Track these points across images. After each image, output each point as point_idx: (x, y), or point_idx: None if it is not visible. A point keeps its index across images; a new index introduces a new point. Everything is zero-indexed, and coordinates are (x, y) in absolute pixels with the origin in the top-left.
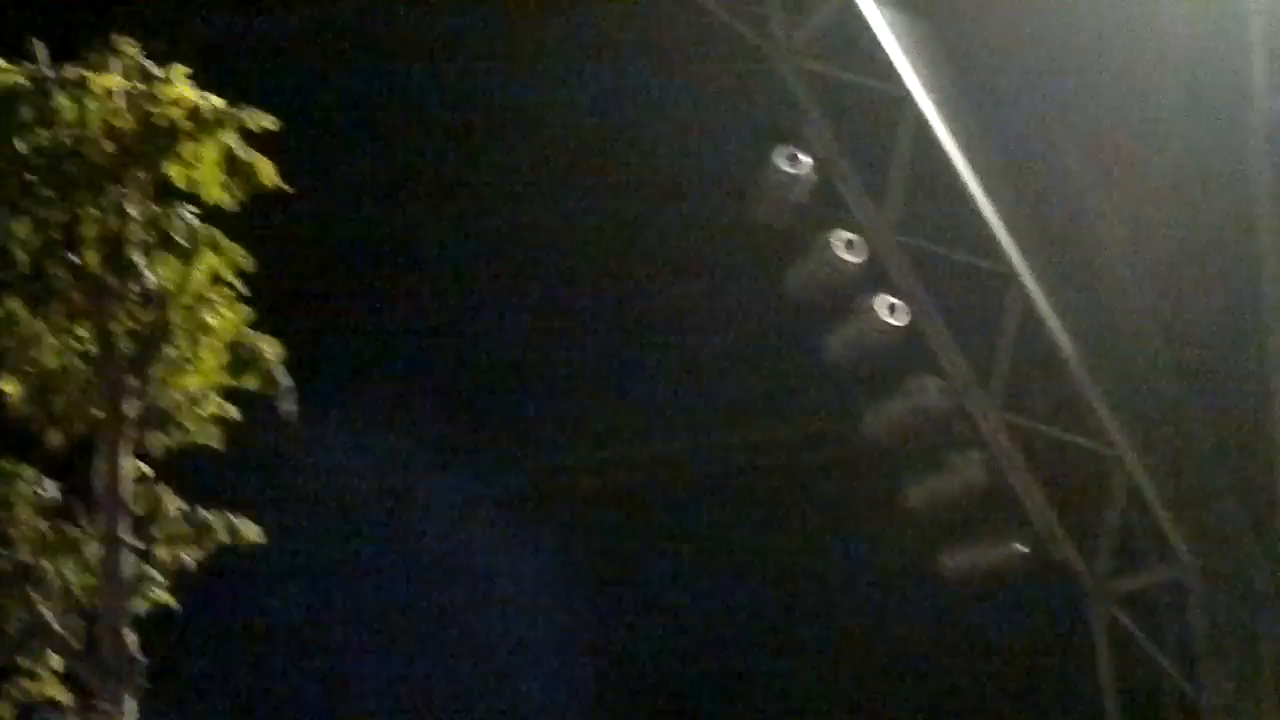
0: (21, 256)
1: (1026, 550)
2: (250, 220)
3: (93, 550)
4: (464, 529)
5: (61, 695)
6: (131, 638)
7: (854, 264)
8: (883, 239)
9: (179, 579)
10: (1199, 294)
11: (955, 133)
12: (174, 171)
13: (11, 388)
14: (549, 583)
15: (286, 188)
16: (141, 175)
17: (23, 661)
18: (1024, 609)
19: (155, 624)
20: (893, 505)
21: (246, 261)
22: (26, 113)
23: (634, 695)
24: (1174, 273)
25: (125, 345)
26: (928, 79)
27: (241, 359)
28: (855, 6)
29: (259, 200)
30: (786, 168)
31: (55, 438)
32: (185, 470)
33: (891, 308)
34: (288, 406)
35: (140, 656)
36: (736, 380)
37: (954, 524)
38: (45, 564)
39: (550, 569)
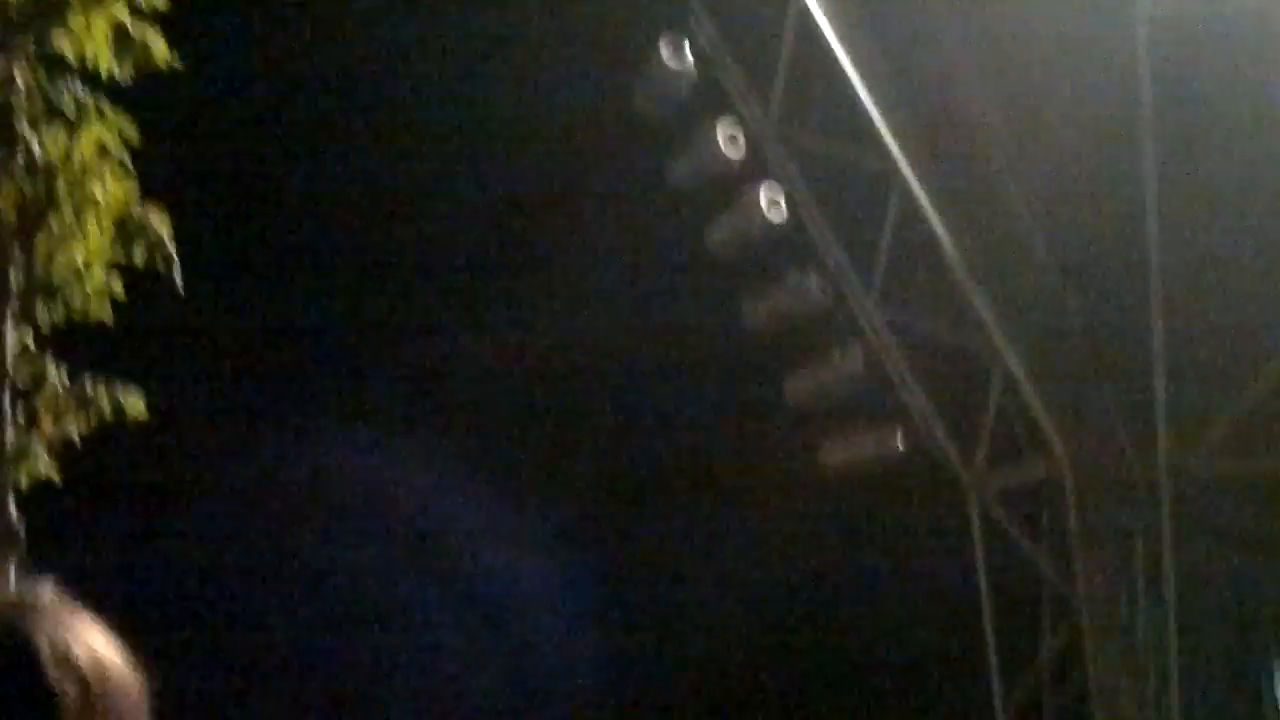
0: None
1: (904, 445)
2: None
3: None
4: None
5: None
6: (11, 509)
7: (736, 157)
8: (765, 133)
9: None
10: (1081, 195)
11: (841, 28)
12: (63, 44)
13: None
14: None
15: (177, 65)
16: (28, 45)
17: None
18: (901, 503)
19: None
20: (774, 398)
21: (132, 133)
22: None
23: None
24: (1057, 173)
25: (9, 216)
26: None
27: (129, 232)
28: None
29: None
30: (670, 61)
31: None
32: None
33: (772, 201)
34: (175, 279)
35: (18, 528)
36: (620, 272)
37: (833, 417)
38: None
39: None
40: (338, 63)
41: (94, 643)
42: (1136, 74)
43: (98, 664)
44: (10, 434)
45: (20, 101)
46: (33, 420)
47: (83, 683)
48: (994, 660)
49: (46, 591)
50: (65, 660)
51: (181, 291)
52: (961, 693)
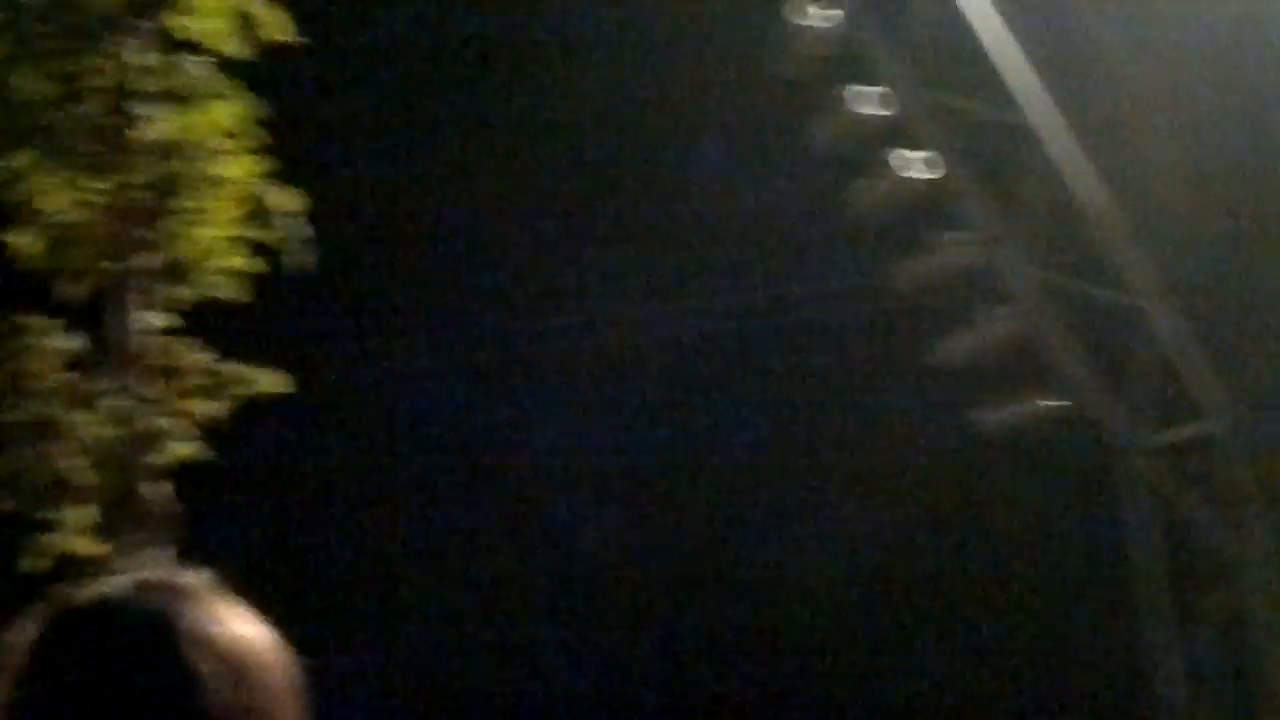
0: (26, 109)
1: (1058, 405)
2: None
3: (115, 403)
4: None
5: (89, 548)
6: (164, 488)
7: (880, 118)
8: (909, 93)
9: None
10: (1232, 150)
11: None
12: (181, 23)
13: (26, 240)
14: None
15: (298, 40)
16: (144, 25)
17: (47, 514)
18: (1053, 465)
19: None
20: (925, 362)
21: (254, 111)
22: None
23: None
24: (1208, 128)
25: (137, 198)
26: None
27: (257, 211)
28: None
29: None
30: (813, 21)
31: (74, 291)
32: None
33: (919, 162)
34: (305, 258)
35: (173, 507)
36: (766, 240)
37: (987, 379)
38: (67, 416)
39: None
40: (462, 30)
41: (238, 625)
42: None
43: (240, 645)
44: (150, 413)
45: (136, 80)
46: (176, 402)
47: (223, 662)
48: (1149, 622)
49: (192, 574)
50: (205, 640)
51: (311, 267)
52: (1116, 653)
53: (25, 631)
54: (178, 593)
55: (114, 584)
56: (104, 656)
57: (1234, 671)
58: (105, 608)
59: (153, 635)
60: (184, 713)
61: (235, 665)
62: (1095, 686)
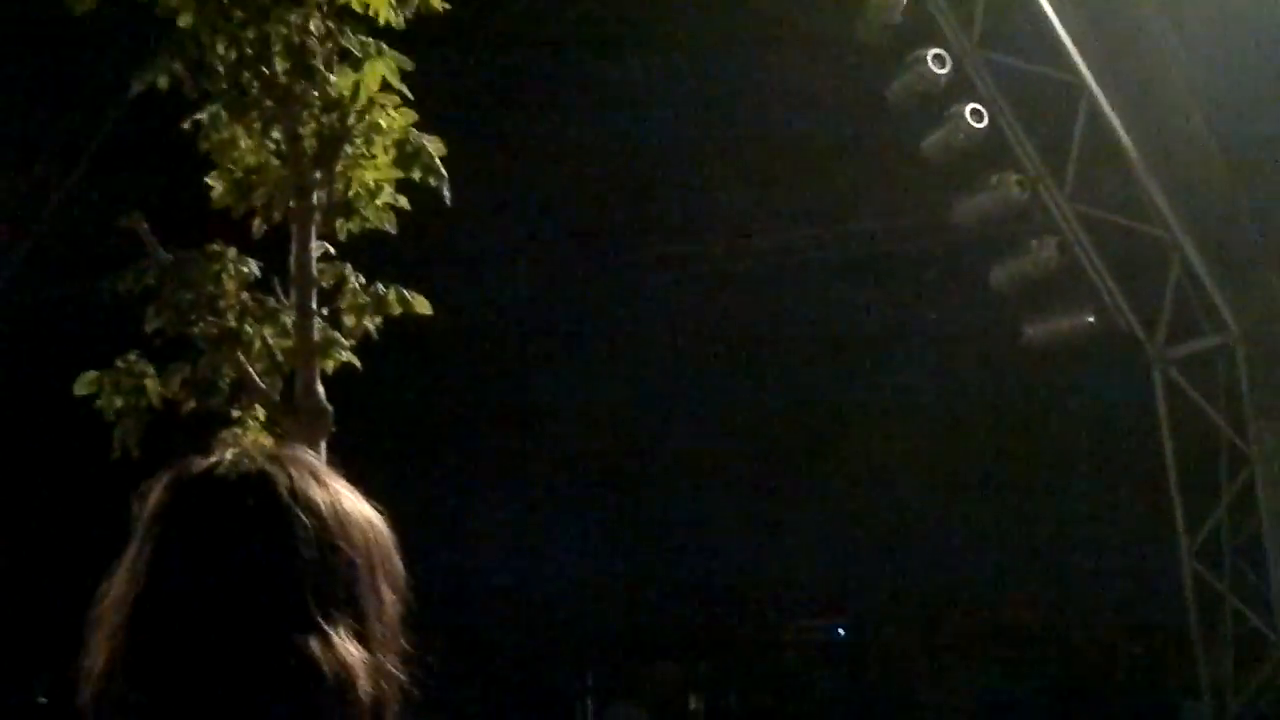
0: (220, 70)
1: (1095, 321)
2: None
3: (288, 318)
4: None
5: (266, 440)
6: (321, 390)
7: (943, 75)
8: (969, 53)
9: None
10: (1247, 102)
11: None
12: None
13: (217, 184)
14: None
15: (446, 5)
16: (316, 15)
17: (234, 411)
18: (1094, 373)
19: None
20: (980, 285)
21: (408, 66)
22: None
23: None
24: (1227, 86)
25: (311, 145)
26: None
27: (408, 155)
28: None
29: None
30: None
31: (255, 226)
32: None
33: (976, 114)
34: (447, 193)
35: (328, 406)
36: (840, 177)
37: (1034, 300)
38: (249, 329)
39: None
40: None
41: (338, 491)
42: None
43: (339, 507)
44: (318, 328)
45: (315, 45)
46: (335, 317)
47: (320, 520)
48: (1179, 506)
49: (304, 450)
50: (305, 500)
51: (449, 203)
52: (1150, 535)
53: (155, 495)
54: (282, 460)
55: (225, 454)
56: (217, 517)
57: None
58: (216, 472)
59: (258, 493)
60: (283, 565)
61: (333, 524)
62: (1130, 554)
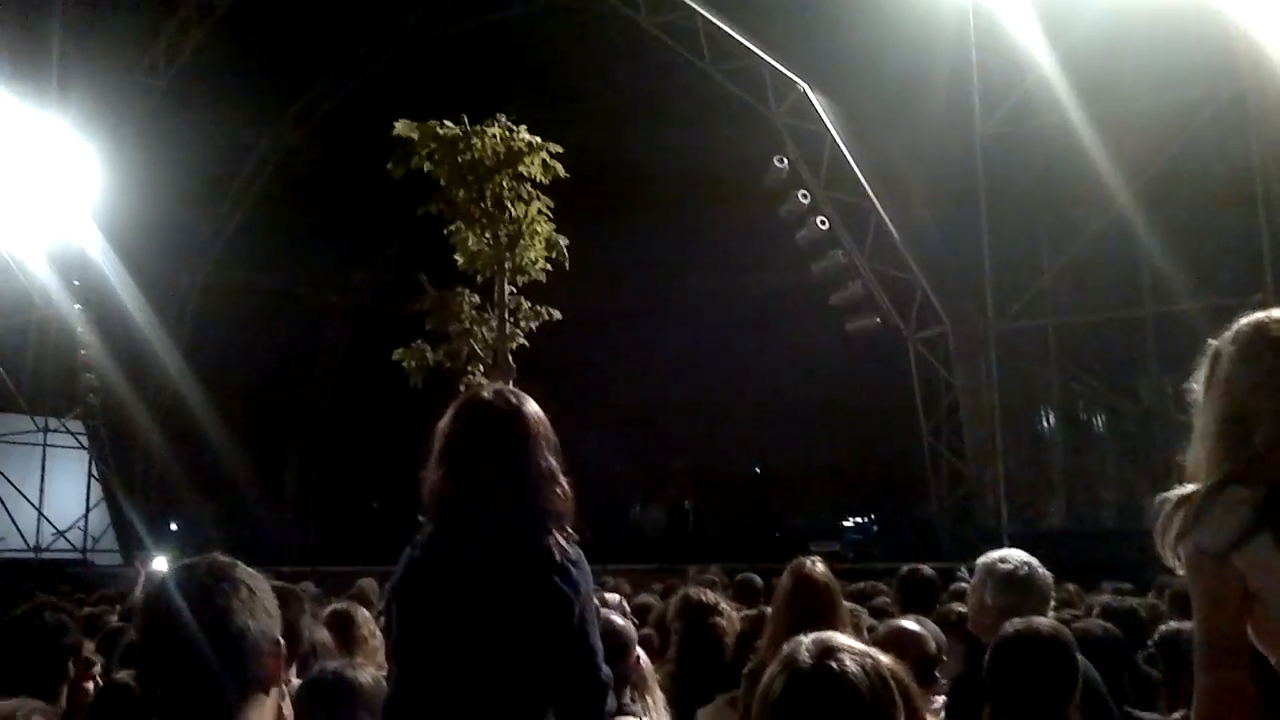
0: (459, 203)
1: (879, 320)
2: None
3: (493, 322)
4: None
5: (483, 379)
6: (511, 362)
7: (806, 203)
8: (818, 192)
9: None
10: (952, 196)
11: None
12: (521, 166)
13: (459, 259)
14: None
15: (563, 173)
16: (505, 169)
17: (467, 368)
18: (877, 347)
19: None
20: (824, 304)
21: (550, 204)
22: (462, 147)
23: None
24: (919, 224)
25: (504, 240)
26: None
27: (550, 246)
28: None
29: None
30: (778, 164)
31: (478, 279)
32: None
33: (822, 220)
34: (565, 263)
35: (514, 365)
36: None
37: (852, 310)
38: (475, 328)
39: None
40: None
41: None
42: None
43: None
44: (507, 326)
45: (506, 193)
46: (515, 321)
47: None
48: (921, 415)
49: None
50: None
51: (567, 266)
52: (905, 435)
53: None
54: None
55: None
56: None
57: (950, 440)
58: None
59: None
60: None
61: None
62: (895, 465)
